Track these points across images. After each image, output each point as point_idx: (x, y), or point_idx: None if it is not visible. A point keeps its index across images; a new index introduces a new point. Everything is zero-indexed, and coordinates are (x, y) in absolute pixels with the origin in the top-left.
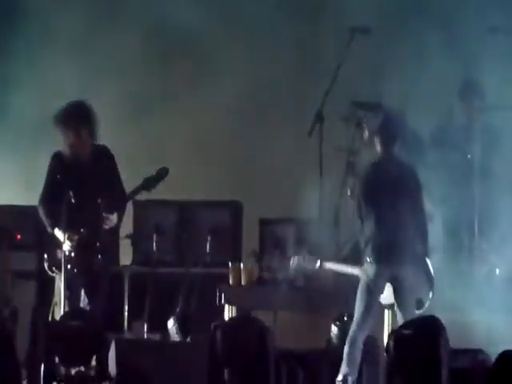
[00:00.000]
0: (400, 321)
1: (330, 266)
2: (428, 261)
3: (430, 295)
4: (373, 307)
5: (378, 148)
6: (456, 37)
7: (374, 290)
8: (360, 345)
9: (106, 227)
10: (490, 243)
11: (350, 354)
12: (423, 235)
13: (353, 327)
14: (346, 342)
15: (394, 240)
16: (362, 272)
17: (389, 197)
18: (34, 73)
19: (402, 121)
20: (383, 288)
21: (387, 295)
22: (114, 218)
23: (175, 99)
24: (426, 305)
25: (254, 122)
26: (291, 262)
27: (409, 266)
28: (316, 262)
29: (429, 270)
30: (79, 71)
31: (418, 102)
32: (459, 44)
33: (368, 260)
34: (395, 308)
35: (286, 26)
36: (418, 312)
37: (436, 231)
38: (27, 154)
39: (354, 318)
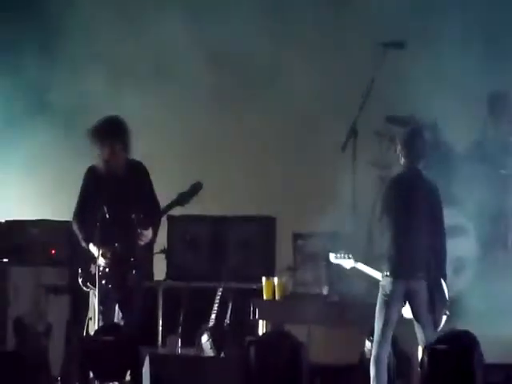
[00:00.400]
0: (420, 337)
1: (363, 267)
2: (442, 281)
3: (445, 316)
4: (391, 321)
5: (403, 162)
6: (492, 50)
7: (390, 304)
8: (385, 361)
9: (142, 243)
10: None
11: (376, 372)
12: (440, 255)
13: (374, 345)
14: (371, 362)
15: (409, 255)
16: (380, 285)
17: (407, 212)
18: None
19: (430, 136)
20: (400, 302)
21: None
22: (148, 233)
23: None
24: (441, 325)
25: (289, 136)
26: (329, 257)
27: (423, 281)
28: (350, 261)
29: (442, 289)
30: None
31: (454, 117)
32: (495, 57)
33: (385, 273)
34: (415, 324)
35: (320, 39)
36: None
37: (470, 245)
38: (61, 168)
39: (375, 336)
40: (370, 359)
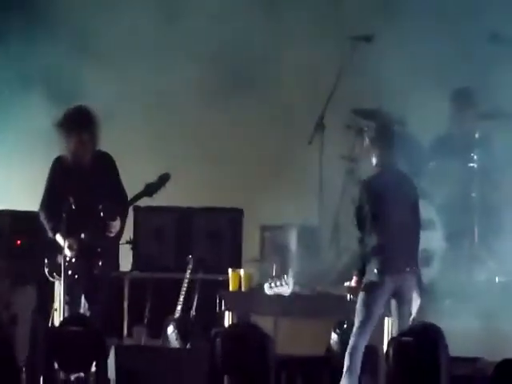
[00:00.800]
0: (395, 330)
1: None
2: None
3: (418, 304)
4: (376, 316)
5: (376, 158)
6: (458, 46)
7: (378, 299)
8: (361, 353)
9: (111, 235)
10: (490, 251)
11: (350, 363)
12: (418, 244)
13: (354, 335)
14: (347, 353)
15: (398, 251)
16: (369, 281)
17: (392, 208)
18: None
19: (398, 129)
20: (387, 297)
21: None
22: (117, 224)
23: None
24: (414, 314)
25: (255, 130)
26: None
27: (410, 277)
28: (287, 288)
29: (421, 279)
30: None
31: (421, 111)
32: (462, 53)
33: (374, 271)
34: (391, 317)
35: (288, 35)
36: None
37: (437, 239)
38: (26, 159)
39: (356, 326)
40: (336, 351)
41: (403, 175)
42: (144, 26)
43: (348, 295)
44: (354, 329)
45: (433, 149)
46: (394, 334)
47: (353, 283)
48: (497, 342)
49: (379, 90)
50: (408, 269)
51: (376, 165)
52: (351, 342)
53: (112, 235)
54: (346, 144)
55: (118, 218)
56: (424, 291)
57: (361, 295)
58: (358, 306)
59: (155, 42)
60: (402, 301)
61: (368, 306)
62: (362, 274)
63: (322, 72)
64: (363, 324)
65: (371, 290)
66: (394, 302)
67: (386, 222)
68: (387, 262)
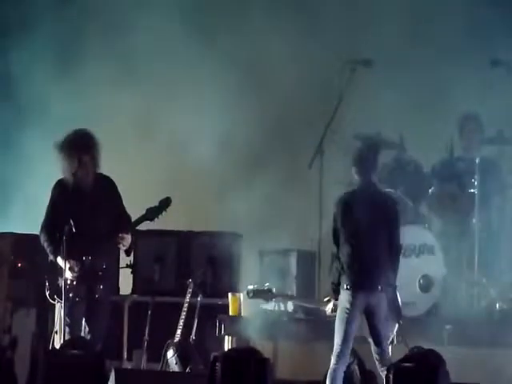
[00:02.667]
0: (374, 352)
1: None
2: (397, 291)
3: (396, 327)
4: (350, 335)
5: (356, 178)
6: (457, 70)
7: (350, 318)
8: (341, 376)
9: (123, 248)
10: (490, 277)
11: None
12: (395, 264)
13: (333, 359)
14: (328, 375)
15: (368, 268)
16: (339, 299)
17: (364, 225)
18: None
19: (397, 153)
20: (360, 315)
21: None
22: (128, 237)
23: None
24: (392, 336)
25: (254, 155)
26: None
27: (382, 294)
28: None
29: (397, 300)
30: None
31: (421, 136)
32: (461, 77)
33: (344, 287)
34: (368, 339)
35: (290, 57)
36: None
37: (437, 263)
38: (28, 182)
39: (334, 349)
40: None
41: (381, 195)
42: None
43: (326, 310)
44: (334, 351)
45: (434, 174)
46: (376, 356)
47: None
48: (497, 369)
49: (379, 115)
50: (379, 287)
51: (355, 183)
52: (331, 364)
53: (124, 248)
54: (346, 169)
55: (130, 232)
56: (400, 315)
57: (337, 314)
58: (335, 325)
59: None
60: (373, 321)
61: (341, 324)
62: (337, 288)
63: (321, 97)
64: (339, 345)
65: (342, 307)
66: (366, 323)
67: (355, 239)
68: (356, 279)
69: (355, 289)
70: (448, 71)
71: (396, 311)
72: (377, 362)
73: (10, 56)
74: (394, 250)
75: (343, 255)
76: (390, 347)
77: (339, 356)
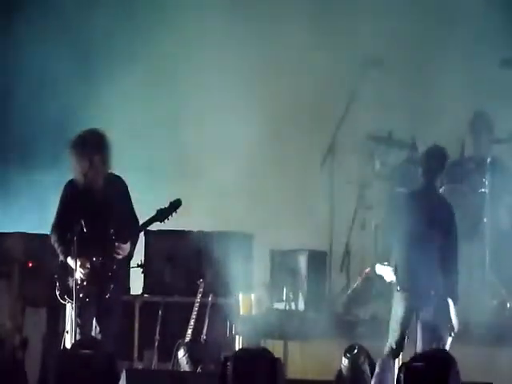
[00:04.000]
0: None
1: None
2: (450, 302)
3: (450, 338)
4: (403, 337)
5: (420, 179)
6: (469, 70)
7: (403, 318)
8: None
9: (119, 257)
10: (501, 277)
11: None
12: (451, 275)
13: (387, 354)
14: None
15: (421, 270)
16: (393, 300)
17: (420, 228)
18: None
19: (409, 154)
20: (412, 316)
21: None
22: (126, 247)
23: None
24: (447, 346)
25: (266, 154)
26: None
27: (432, 300)
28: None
29: (449, 311)
30: None
31: (430, 135)
32: (472, 77)
33: (398, 288)
34: (417, 338)
35: (303, 56)
36: None
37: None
38: (40, 183)
39: (386, 350)
40: (346, 376)
41: (441, 200)
42: None
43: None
44: (388, 348)
45: (444, 173)
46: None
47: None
48: (508, 368)
49: (391, 114)
50: (432, 292)
51: (419, 186)
52: (385, 358)
53: (119, 257)
54: (357, 169)
55: (128, 241)
56: (453, 328)
57: (391, 315)
58: (390, 326)
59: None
60: (424, 325)
61: (395, 325)
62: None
63: (333, 96)
64: (392, 344)
65: (396, 308)
66: (418, 325)
67: (410, 240)
68: (407, 281)
69: (406, 291)
70: (459, 71)
71: (450, 324)
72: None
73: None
74: (448, 256)
75: (397, 257)
76: None
77: (394, 353)
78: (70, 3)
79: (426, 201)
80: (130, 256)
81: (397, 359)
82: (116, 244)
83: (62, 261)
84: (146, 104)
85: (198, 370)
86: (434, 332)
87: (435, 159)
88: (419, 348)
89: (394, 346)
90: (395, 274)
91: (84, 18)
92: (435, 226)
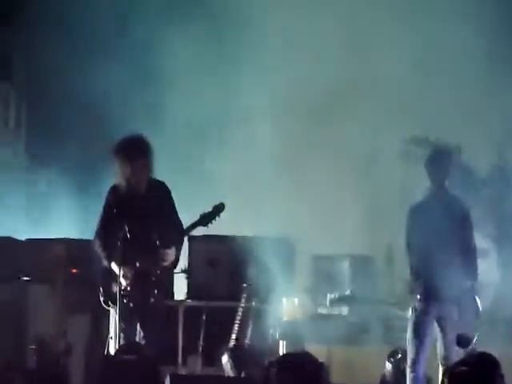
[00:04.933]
0: (441, 355)
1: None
2: (477, 298)
3: (476, 337)
4: (425, 344)
5: (429, 184)
6: (508, 75)
7: (424, 327)
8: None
9: (166, 263)
10: None
11: None
12: (472, 272)
13: (409, 368)
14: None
15: (438, 277)
16: (412, 309)
17: (437, 234)
18: None
19: (452, 156)
20: (433, 324)
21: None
22: (172, 252)
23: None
24: (473, 343)
25: (305, 159)
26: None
27: (455, 304)
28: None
29: (477, 307)
30: None
31: (474, 141)
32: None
33: (417, 297)
34: (438, 344)
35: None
36: (464, 349)
37: (491, 267)
38: (82, 189)
39: (409, 358)
40: (390, 381)
41: (455, 201)
42: None
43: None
44: (408, 360)
45: (488, 178)
46: (441, 360)
47: None
48: None
49: (434, 119)
50: (451, 296)
51: (428, 189)
52: (408, 373)
53: (166, 264)
54: (400, 173)
55: (173, 247)
56: (478, 315)
57: (409, 324)
58: (407, 334)
59: None
60: (444, 329)
61: (415, 335)
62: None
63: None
64: (415, 354)
65: (415, 317)
66: (438, 331)
67: (426, 248)
68: (427, 288)
69: (427, 299)
70: (499, 76)
71: (477, 319)
72: (440, 366)
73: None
74: (469, 253)
75: (414, 264)
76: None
77: (415, 365)
78: None
79: (439, 207)
80: (176, 261)
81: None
82: (161, 250)
83: (105, 267)
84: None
85: (242, 374)
86: (453, 334)
87: (441, 160)
88: (442, 351)
89: (414, 355)
90: (414, 282)
91: None
92: (449, 229)
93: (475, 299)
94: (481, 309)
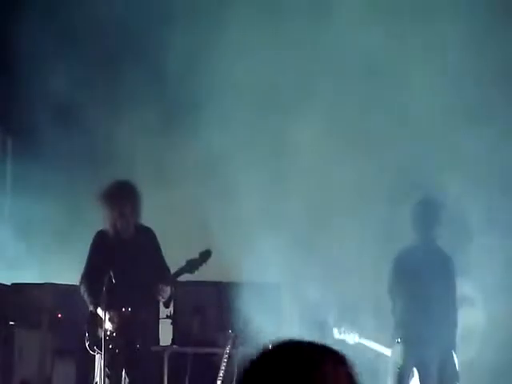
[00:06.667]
0: None
1: (368, 343)
2: (454, 354)
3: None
4: None
5: (414, 232)
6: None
7: (403, 373)
8: None
9: (162, 300)
10: None
11: None
12: (452, 327)
13: None
14: None
15: (421, 324)
16: (391, 354)
17: (419, 282)
18: None
19: (441, 207)
20: (411, 370)
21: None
22: (168, 289)
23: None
24: None
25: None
26: (333, 332)
27: (435, 352)
28: (354, 336)
29: (454, 363)
30: None
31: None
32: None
33: (397, 341)
34: None
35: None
36: None
37: (476, 316)
38: (67, 232)
39: None
40: None
41: (436, 249)
42: None
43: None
44: None
45: (479, 228)
46: None
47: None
48: None
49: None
50: (433, 344)
51: (414, 239)
52: None
53: (163, 300)
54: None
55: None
56: (457, 378)
57: (389, 369)
58: (388, 381)
59: None
60: (427, 376)
61: (394, 380)
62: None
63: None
64: None
65: (395, 363)
66: (416, 375)
67: (410, 294)
68: (410, 333)
69: (408, 344)
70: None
71: (453, 373)
72: None
73: None
74: (451, 310)
75: (397, 310)
76: None
77: None
78: None
79: (423, 255)
80: (169, 300)
81: None
82: (159, 286)
83: (91, 311)
84: None
85: None
86: (432, 380)
87: (430, 211)
88: None
89: None
90: (396, 327)
91: None
92: (432, 279)
93: (453, 355)
94: (457, 367)
